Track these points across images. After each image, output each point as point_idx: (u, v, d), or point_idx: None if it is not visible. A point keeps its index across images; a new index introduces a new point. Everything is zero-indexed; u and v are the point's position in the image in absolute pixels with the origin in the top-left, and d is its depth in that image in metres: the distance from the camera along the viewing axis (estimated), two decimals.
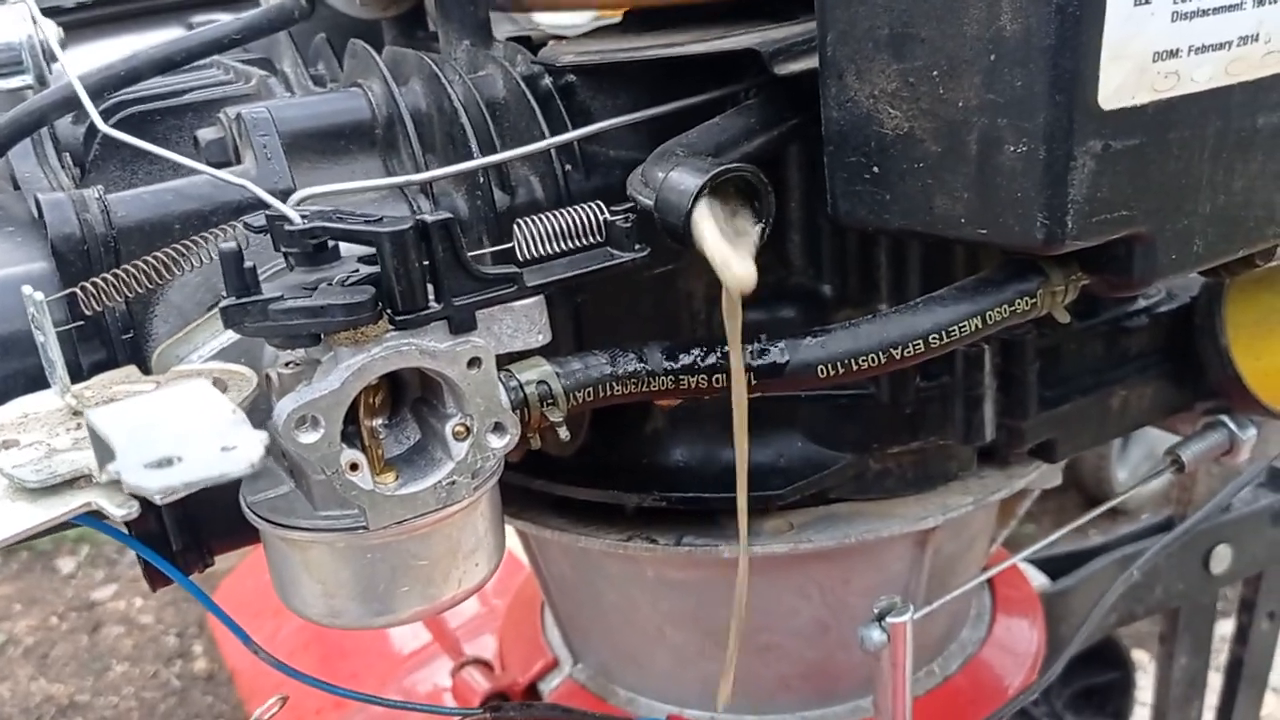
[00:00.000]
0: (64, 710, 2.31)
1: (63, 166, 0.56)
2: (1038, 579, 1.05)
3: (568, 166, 0.53)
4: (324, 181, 0.48)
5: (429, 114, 0.54)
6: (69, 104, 0.53)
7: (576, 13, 0.66)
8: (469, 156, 0.51)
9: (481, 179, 0.51)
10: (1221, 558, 1.16)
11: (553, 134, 0.52)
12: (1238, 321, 0.64)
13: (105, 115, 0.53)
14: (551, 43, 0.61)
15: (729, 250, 0.44)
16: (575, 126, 0.53)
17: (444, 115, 0.53)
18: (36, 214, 0.47)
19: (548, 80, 0.55)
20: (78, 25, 0.67)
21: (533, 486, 0.65)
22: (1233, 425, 0.71)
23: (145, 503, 0.49)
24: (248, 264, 0.39)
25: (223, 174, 0.46)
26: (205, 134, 0.52)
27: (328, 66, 0.67)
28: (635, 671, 0.77)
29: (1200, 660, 1.23)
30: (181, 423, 0.35)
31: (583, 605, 0.77)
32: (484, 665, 0.86)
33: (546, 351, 0.48)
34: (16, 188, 0.60)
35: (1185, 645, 1.20)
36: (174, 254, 0.43)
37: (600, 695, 0.78)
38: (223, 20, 0.60)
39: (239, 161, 0.51)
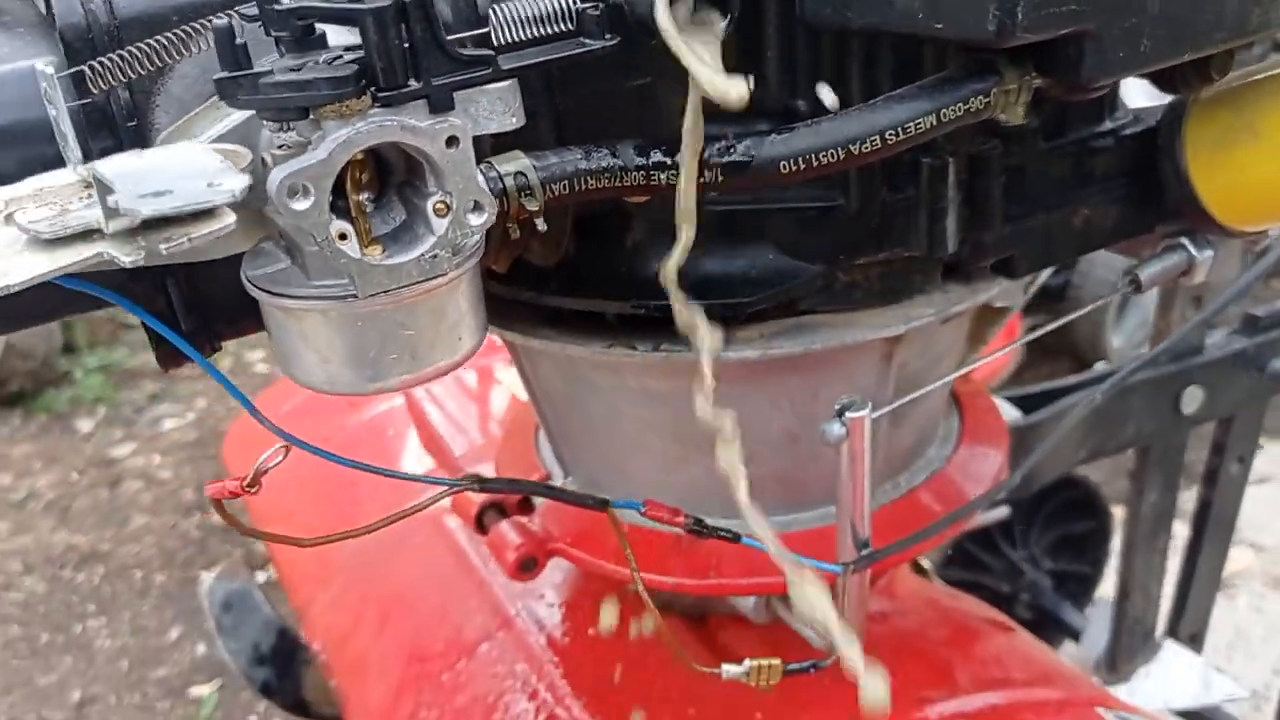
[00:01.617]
0: (86, 559, 2.41)
1: None
2: (1011, 413, 1.09)
3: None
4: None
5: None
6: None
7: None
8: None
9: None
10: (1193, 398, 1.20)
11: None
12: (1196, 140, 0.67)
13: None
14: None
15: (712, 73, 0.47)
16: None
17: None
18: (45, 10, 0.50)
19: None
20: None
21: (521, 298, 0.69)
22: (1190, 246, 0.73)
23: (155, 285, 0.53)
24: (239, 40, 0.41)
25: None
26: None
27: None
28: (621, 480, 0.81)
29: (1169, 498, 1.28)
30: (175, 167, 0.38)
31: (571, 419, 0.82)
32: (481, 481, 0.90)
33: (524, 147, 0.51)
34: None
35: (1155, 482, 1.25)
36: (173, 39, 0.46)
37: None
38: None
39: None
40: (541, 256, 0.64)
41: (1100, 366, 2.39)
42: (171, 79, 0.50)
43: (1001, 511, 1.16)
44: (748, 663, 0.65)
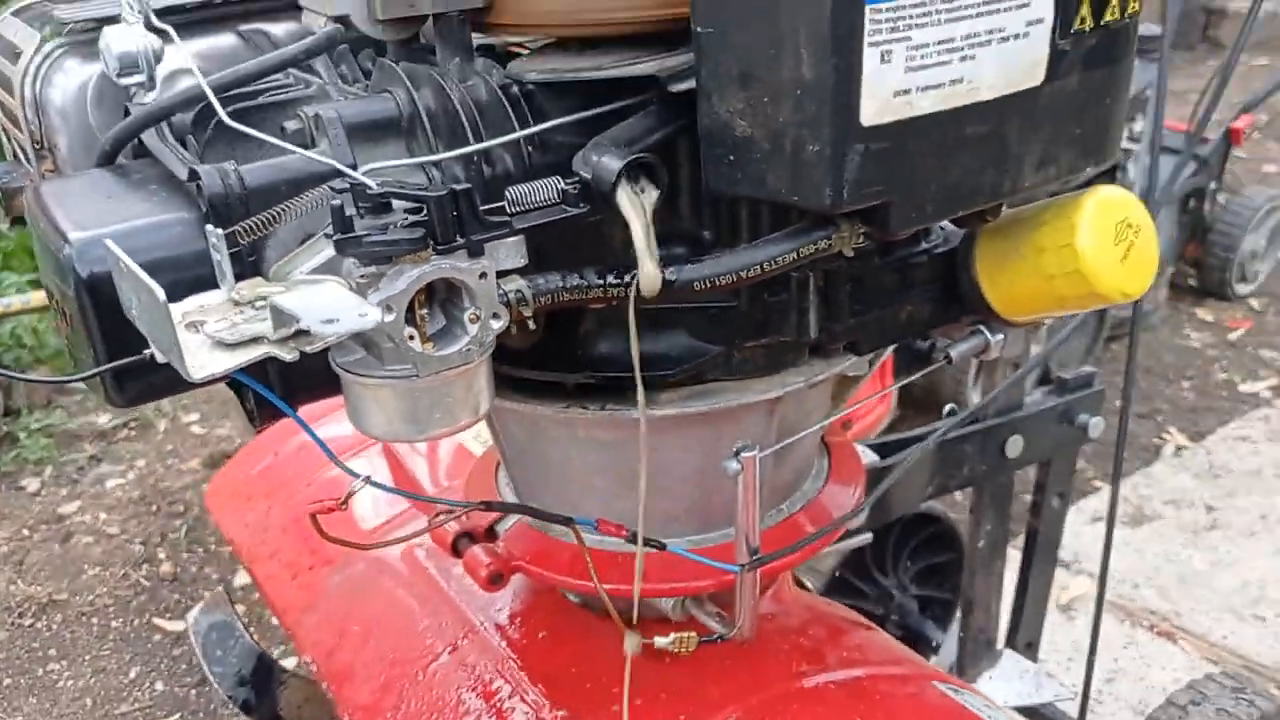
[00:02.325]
0: (44, 607, 2.51)
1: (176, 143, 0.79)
2: (870, 456, 1.33)
3: (530, 149, 0.77)
4: (369, 160, 0.72)
5: (437, 112, 0.77)
6: (191, 102, 0.75)
7: (528, 36, 0.89)
8: (465, 143, 0.75)
9: (475, 158, 0.75)
10: (1015, 445, 1.46)
11: (521, 128, 0.77)
12: (982, 259, 0.91)
13: (211, 113, 0.76)
14: (516, 61, 0.84)
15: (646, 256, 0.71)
16: (535, 123, 0.77)
17: (448, 114, 0.77)
18: (189, 178, 0.70)
19: (515, 89, 0.79)
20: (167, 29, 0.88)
21: (500, 371, 0.90)
22: (986, 332, 0.98)
23: (260, 368, 0.73)
24: (348, 213, 0.63)
25: (313, 154, 0.69)
26: (290, 125, 0.75)
27: (349, 68, 0.90)
28: (571, 510, 1.02)
29: (1001, 529, 1.54)
30: (332, 301, 0.59)
31: (531, 463, 1.03)
32: (454, 515, 1.11)
33: (522, 272, 0.73)
34: (136, 156, 0.83)
35: (989, 515, 1.51)
36: (288, 208, 0.67)
37: (543, 531, 1.04)
38: (291, 43, 0.83)
39: (315, 145, 0.74)
40: (520, 341, 0.86)
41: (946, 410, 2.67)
42: (279, 228, 0.71)
43: (865, 538, 1.39)
44: (672, 635, 0.86)
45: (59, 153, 0.90)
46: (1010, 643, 1.69)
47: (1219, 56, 5.62)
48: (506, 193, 0.68)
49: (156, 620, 2.46)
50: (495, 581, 1.02)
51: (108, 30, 0.83)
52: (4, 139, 0.98)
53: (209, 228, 0.64)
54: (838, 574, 1.89)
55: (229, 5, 0.93)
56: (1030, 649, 1.70)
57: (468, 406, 0.70)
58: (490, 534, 1.08)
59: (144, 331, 0.62)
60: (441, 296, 0.69)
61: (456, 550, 1.07)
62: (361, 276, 0.67)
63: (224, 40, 0.94)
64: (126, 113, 0.82)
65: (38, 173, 0.88)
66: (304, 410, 1.78)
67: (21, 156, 0.92)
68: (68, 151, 0.90)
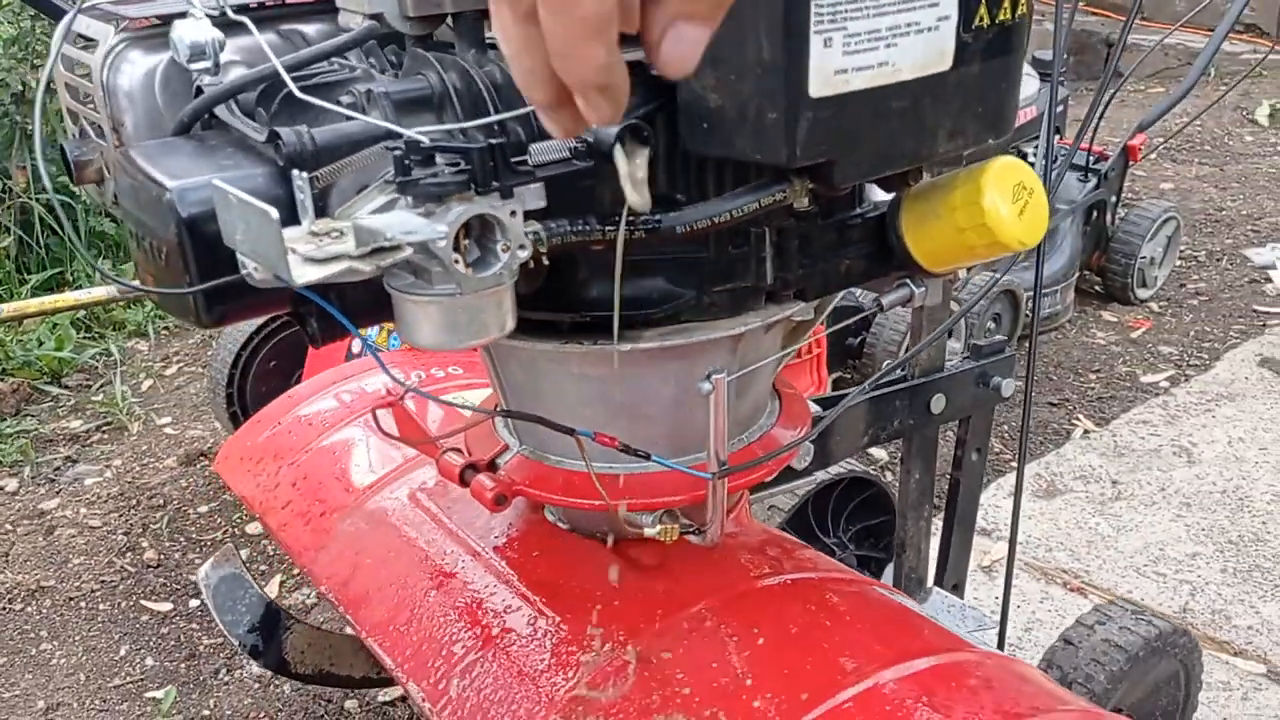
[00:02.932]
0: (33, 593, 2.57)
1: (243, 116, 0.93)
2: (814, 408, 1.49)
3: (535, 120, 0.93)
4: (410, 127, 0.87)
5: (462, 92, 0.92)
6: (260, 81, 0.89)
7: None
8: (487, 115, 0.90)
9: (495, 127, 0.90)
10: (939, 402, 1.63)
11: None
12: (907, 219, 1.08)
13: (276, 91, 0.90)
14: None
15: (632, 188, 0.85)
16: None
17: (471, 92, 0.92)
18: (245, 141, 0.84)
19: None
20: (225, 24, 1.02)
21: None
22: (912, 284, 1.15)
23: (323, 292, 0.87)
24: (407, 161, 0.77)
25: (373, 120, 0.84)
26: (345, 99, 0.90)
27: (376, 59, 1.04)
28: (562, 442, 1.17)
29: (927, 477, 1.70)
30: (408, 220, 0.73)
31: (527, 399, 1.17)
32: (458, 452, 1.24)
33: (539, 218, 0.87)
34: (206, 127, 0.96)
35: (917, 465, 1.67)
36: (353, 162, 0.81)
37: (538, 460, 1.18)
38: (320, 41, 0.97)
39: (368, 115, 0.88)
40: (526, 287, 1.00)
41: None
42: (340, 180, 0.85)
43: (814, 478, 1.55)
44: (659, 526, 1.01)
45: (124, 130, 1.03)
46: (939, 583, 1.86)
47: (1119, 85, 5.95)
48: (530, 147, 0.83)
49: (144, 602, 2.54)
50: (500, 502, 1.16)
51: (179, 23, 0.96)
52: (68, 118, 1.11)
53: (295, 172, 0.78)
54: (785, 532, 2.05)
55: (269, 8, 1.07)
56: (957, 589, 1.87)
57: (496, 322, 0.84)
58: (492, 466, 1.22)
59: (247, 253, 0.76)
60: (477, 233, 0.83)
61: (463, 480, 1.20)
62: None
63: (266, 37, 1.08)
64: (199, 92, 0.96)
65: (111, 145, 1.01)
66: (296, 390, 1.91)
67: (92, 132, 1.05)
68: (133, 129, 1.03)
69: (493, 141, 0.79)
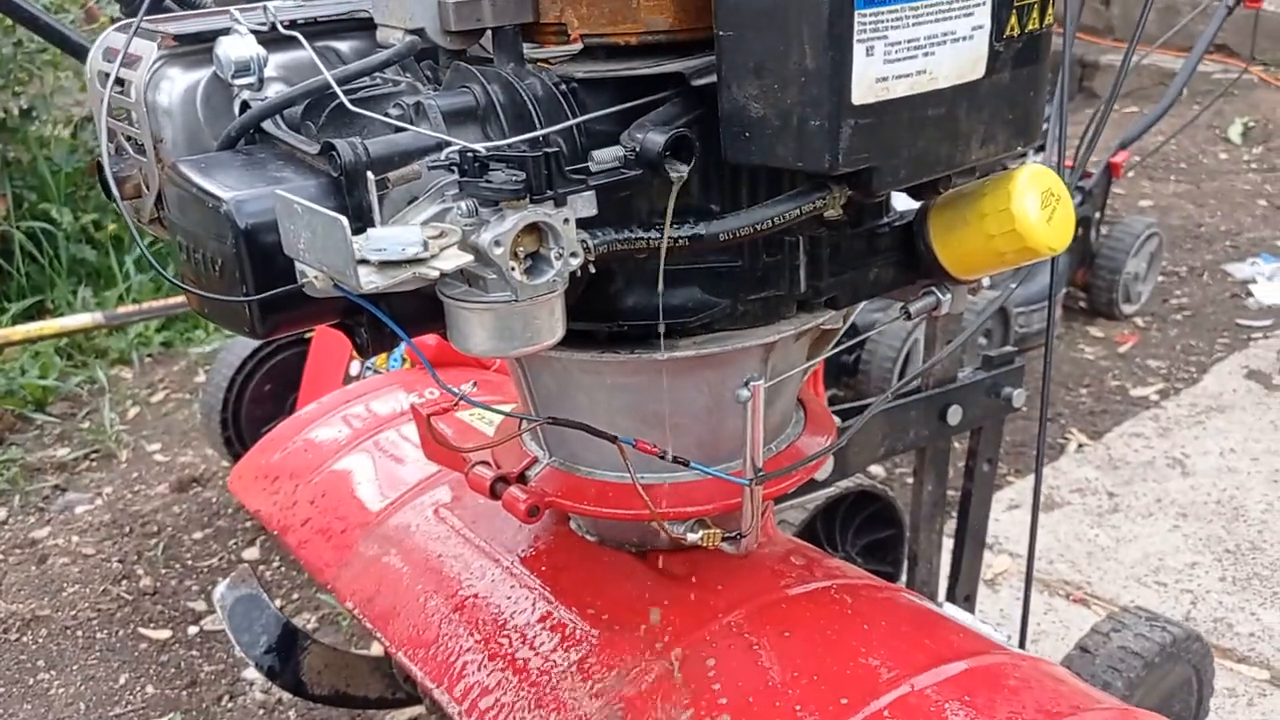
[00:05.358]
0: (28, 623, 2.54)
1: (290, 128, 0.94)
2: (835, 420, 1.51)
3: (577, 133, 0.94)
4: (459, 139, 0.88)
5: (506, 104, 0.94)
6: (308, 95, 0.91)
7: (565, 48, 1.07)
8: (531, 127, 0.92)
9: (541, 139, 0.92)
10: (954, 414, 1.65)
11: (571, 117, 0.94)
12: (935, 228, 1.10)
13: (324, 104, 0.91)
14: (561, 64, 1.01)
15: None
16: (582, 113, 0.94)
17: (515, 105, 0.93)
18: (292, 154, 0.85)
19: (564, 85, 0.96)
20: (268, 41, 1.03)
21: None
22: (938, 292, 1.17)
23: (375, 303, 0.88)
24: (466, 169, 0.79)
25: (424, 130, 0.85)
26: (393, 111, 0.91)
27: (414, 73, 1.06)
28: (594, 454, 1.18)
29: (940, 489, 1.73)
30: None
31: (558, 410, 1.18)
32: (487, 465, 1.25)
33: (587, 228, 0.89)
34: (249, 142, 0.97)
35: (930, 477, 1.69)
36: (404, 174, 0.83)
37: (569, 472, 1.19)
38: (355, 58, 0.99)
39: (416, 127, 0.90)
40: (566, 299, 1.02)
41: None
42: (393, 191, 0.86)
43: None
44: (700, 531, 1.02)
45: (163, 145, 1.04)
46: (950, 597, 1.88)
47: (1093, 105, 6.04)
48: (590, 155, 0.85)
49: (142, 630, 2.52)
50: (533, 514, 1.16)
51: (223, 40, 0.98)
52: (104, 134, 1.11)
53: (370, 180, 0.79)
54: None
55: (307, 26, 1.09)
56: (968, 601, 1.89)
57: (549, 328, 0.86)
58: (522, 479, 1.22)
59: (313, 261, 0.77)
60: (533, 239, 0.85)
61: (494, 493, 1.21)
62: (468, 223, 0.83)
63: (303, 54, 1.10)
64: (245, 107, 0.97)
65: (152, 160, 1.02)
66: (305, 412, 1.90)
67: (130, 148, 1.06)
68: (172, 144, 1.04)
69: (548, 150, 0.81)
